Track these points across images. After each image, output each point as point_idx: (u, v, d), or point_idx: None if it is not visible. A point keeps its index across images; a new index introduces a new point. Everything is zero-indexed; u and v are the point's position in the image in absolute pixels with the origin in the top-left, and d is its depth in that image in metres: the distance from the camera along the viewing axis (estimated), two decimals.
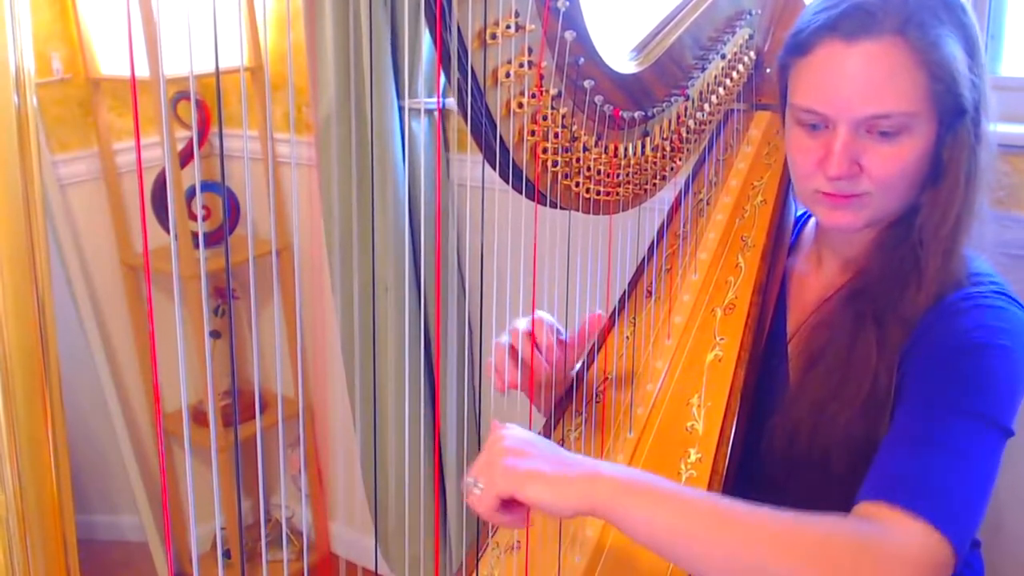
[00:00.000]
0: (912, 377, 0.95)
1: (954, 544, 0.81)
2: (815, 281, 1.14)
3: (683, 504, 0.83)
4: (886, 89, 0.95)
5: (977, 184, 0.99)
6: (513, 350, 1.11)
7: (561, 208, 1.05)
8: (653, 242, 1.26)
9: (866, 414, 0.97)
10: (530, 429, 1.10)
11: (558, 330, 1.13)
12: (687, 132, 1.16)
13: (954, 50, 0.95)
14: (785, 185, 1.23)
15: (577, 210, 1.06)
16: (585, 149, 1.03)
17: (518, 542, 1.03)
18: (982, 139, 0.99)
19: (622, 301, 1.22)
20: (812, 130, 1.00)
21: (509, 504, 0.85)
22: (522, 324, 1.12)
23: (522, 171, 0.99)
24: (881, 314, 1.00)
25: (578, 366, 1.17)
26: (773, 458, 1.05)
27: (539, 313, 1.12)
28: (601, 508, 0.82)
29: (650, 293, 1.22)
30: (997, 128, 1.02)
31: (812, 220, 1.21)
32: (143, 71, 2.02)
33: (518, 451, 0.85)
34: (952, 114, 0.97)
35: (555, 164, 1.00)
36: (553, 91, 0.97)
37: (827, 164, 0.98)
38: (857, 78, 0.95)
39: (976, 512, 0.86)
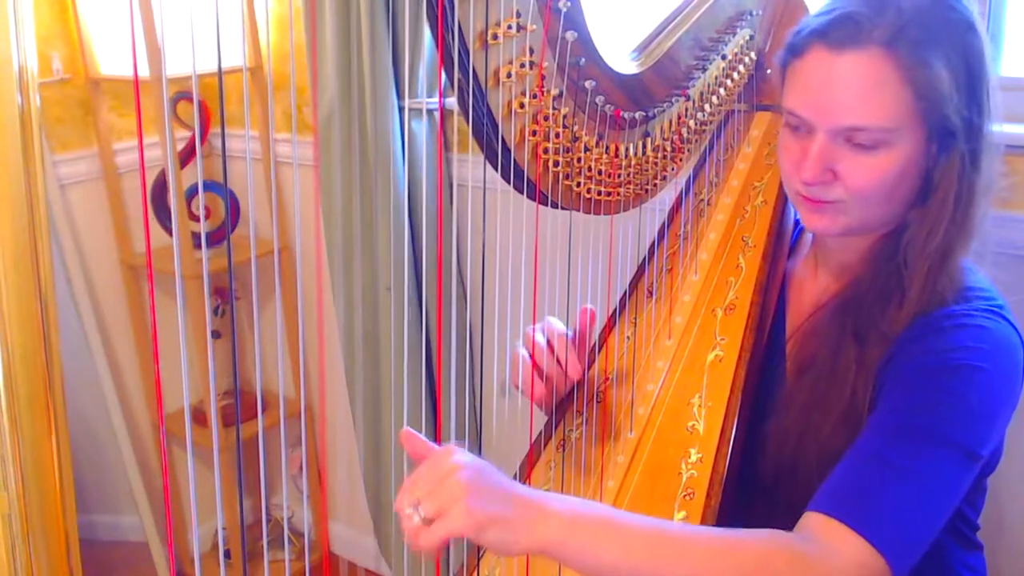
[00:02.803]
0: (886, 392, 0.94)
1: (891, 563, 0.82)
2: (812, 285, 1.14)
3: (625, 535, 0.82)
4: (866, 102, 0.94)
5: (971, 204, 0.97)
6: (537, 365, 1.10)
7: (562, 208, 1.05)
8: (654, 242, 1.26)
9: (845, 428, 0.97)
10: (530, 427, 1.11)
11: (568, 335, 1.13)
12: (688, 132, 1.16)
13: (941, 70, 0.93)
14: None
15: (578, 210, 1.06)
16: (586, 149, 1.03)
17: None
18: (980, 162, 0.97)
19: (623, 301, 1.22)
20: (795, 132, 1.00)
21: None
22: (539, 336, 1.11)
23: (523, 171, 0.99)
24: (863, 329, 0.99)
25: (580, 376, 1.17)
26: (766, 462, 1.05)
27: (549, 320, 1.12)
28: (551, 548, 0.80)
29: (651, 293, 1.22)
30: (1000, 128, 1.01)
31: None
32: (144, 71, 2.02)
33: (478, 489, 0.78)
34: (942, 133, 0.95)
35: (556, 164, 1.00)
36: (554, 91, 0.97)
37: (801, 168, 0.98)
38: (839, 88, 0.95)
39: (919, 533, 0.86)
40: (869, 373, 0.97)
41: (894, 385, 0.94)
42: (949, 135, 0.95)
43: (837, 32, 0.95)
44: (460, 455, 0.81)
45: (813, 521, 0.86)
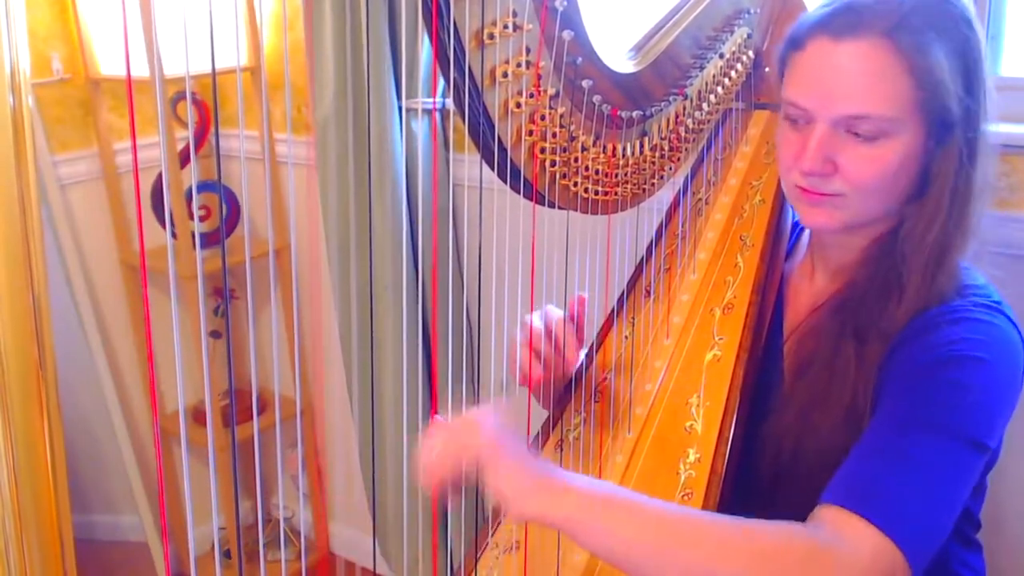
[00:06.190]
0: (888, 387, 0.94)
1: (907, 554, 0.82)
2: (808, 287, 1.14)
3: (640, 514, 0.83)
4: (867, 91, 0.94)
5: (968, 200, 0.97)
6: (535, 349, 1.12)
7: (559, 208, 1.05)
8: (652, 242, 1.26)
9: (847, 427, 0.97)
10: (528, 427, 1.11)
11: (568, 323, 1.14)
12: (685, 131, 1.16)
13: (942, 59, 0.93)
14: None
15: (575, 210, 1.06)
16: (583, 149, 1.03)
17: (517, 542, 1.03)
18: (976, 157, 0.97)
19: (621, 301, 1.22)
20: (794, 124, 1.00)
21: (456, 478, 0.87)
22: (536, 320, 1.13)
23: (520, 171, 0.99)
24: (862, 328, 0.99)
25: (578, 363, 1.17)
26: (764, 462, 1.05)
27: (548, 308, 1.14)
28: (560, 522, 0.82)
29: (649, 293, 1.22)
30: (998, 128, 1.01)
31: None
32: (142, 71, 2.02)
33: (507, 442, 0.86)
34: (941, 126, 0.96)
35: (553, 164, 1.00)
36: (551, 91, 0.97)
37: (801, 158, 0.98)
38: (839, 76, 0.95)
39: (934, 524, 0.86)
40: (869, 372, 0.97)
41: (897, 380, 0.94)
42: (947, 128, 0.96)
43: (838, 21, 0.95)
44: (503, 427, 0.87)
45: (827, 513, 0.85)
